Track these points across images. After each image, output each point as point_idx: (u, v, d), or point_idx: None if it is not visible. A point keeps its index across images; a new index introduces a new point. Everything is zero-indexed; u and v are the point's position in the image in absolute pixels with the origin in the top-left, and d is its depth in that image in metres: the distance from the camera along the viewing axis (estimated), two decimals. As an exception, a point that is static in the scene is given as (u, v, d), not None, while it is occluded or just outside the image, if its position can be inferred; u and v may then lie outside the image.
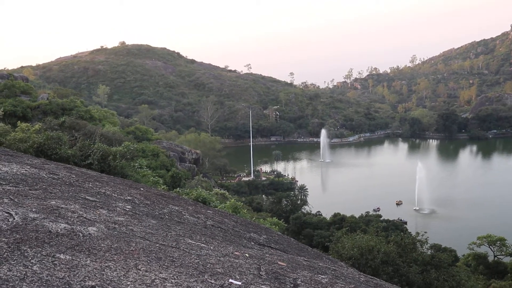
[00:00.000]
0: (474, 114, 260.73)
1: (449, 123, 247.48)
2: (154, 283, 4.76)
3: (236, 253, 6.61)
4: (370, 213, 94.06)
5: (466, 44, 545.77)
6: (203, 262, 5.70)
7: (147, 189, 10.73)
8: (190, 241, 6.61)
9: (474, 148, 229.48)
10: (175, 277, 5.04)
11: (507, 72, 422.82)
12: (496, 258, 59.61)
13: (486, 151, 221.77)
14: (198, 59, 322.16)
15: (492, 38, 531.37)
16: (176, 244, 6.25)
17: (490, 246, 60.93)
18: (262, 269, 6.01)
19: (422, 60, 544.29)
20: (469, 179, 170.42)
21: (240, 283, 5.31)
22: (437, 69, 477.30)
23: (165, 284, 4.80)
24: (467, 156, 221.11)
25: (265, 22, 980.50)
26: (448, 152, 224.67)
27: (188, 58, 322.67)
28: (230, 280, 5.31)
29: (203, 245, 6.62)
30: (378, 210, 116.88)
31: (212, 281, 5.17)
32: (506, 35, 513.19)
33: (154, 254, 5.57)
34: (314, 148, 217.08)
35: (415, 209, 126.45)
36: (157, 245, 5.98)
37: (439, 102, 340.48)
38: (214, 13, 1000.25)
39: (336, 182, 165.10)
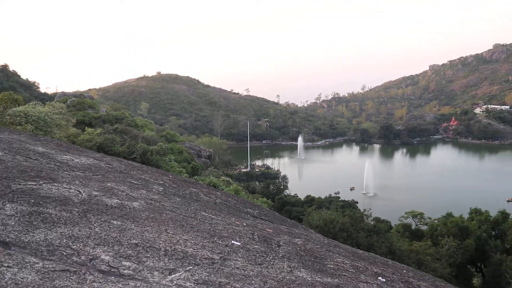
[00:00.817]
0: (404, 127, 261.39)
1: (388, 133, 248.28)
2: (179, 242, 4.77)
3: (236, 222, 6.61)
4: (332, 195, 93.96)
5: (399, 78, 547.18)
6: (213, 228, 5.70)
7: (174, 176, 10.71)
8: (204, 213, 6.61)
9: (405, 150, 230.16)
10: (194, 238, 5.04)
11: (427, 98, 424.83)
12: (417, 226, 59.63)
13: (412, 153, 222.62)
14: (212, 84, 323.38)
15: (416, 74, 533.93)
16: (194, 215, 6.25)
17: (413, 218, 60.96)
18: (255, 234, 6.01)
19: (370, 88, 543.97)
20: (401, 171, 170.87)
21: (239, 243, 5.32)
22: (380, 95, 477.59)
23: (186, 243, 4.80)
24: (400, 156, 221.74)
25: (260, 62, 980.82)
26: (387, 153, 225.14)
27: (204, 83, 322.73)
28: (233, 241, 5.32)
29: (213, 216, 6.61)
30: (338, 193, 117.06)
31: (220, 242, 5.17)
32: (426, 73, 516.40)
33: (179, 222, 5.56)
34: (293, 149, 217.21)
35: (363, 193, 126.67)
36: (181, 216, 5.98)
37: (381, 118, 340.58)
38: (223, 53, 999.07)
39: (308, 173, 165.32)
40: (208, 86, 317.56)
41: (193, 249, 4.70)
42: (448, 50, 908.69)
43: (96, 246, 4.21)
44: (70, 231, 4.41)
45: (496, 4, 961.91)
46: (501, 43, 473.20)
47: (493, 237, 45.27)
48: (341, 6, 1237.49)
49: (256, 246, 5.41)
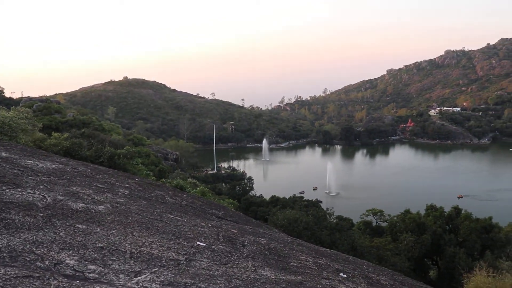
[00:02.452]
0: (364, 128, 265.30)
1: (349, 134, 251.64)
2: (145, 245, 4.70)
3: (202, 224, 6.56)
4: (296, 195, 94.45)
5: (359, 82, 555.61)
6: (178, 230, 5.65)
7: (140, 179, 10.56)
8: (170, 215, 6.54)
9: (365, 151, 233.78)
10: (159, 240, 4.98)
11: (385, 101, 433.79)
12: (377, 223, 60.57)
13: (371, 153, 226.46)
14: (178, 89, 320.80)
15: (375, 78, 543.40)
16: (160, 218, 6.18)
17: (374, 216, 61.86)
18: (220, 235, 5.99)
19: (331, 91, 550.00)
20: (362, 171, 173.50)
21: (205, 244, 5.28)
22: (341, 98, 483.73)
23: (152, 245, 4.74)
24: (360, 156, 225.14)
25: (227, 67, 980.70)
26: (348, 154, 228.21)
27: (171, 88, 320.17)
28: (198, 242, 5.28)
29: (179, 218, 6.55)
30: (303, 193, 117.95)
31: (185, 243, 5.12)
32: (384, 77, 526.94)
33: (144, 225, 5.48)
34: (258, 151, 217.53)
35: (326, 192, 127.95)
36: (147, 218, 5.90)
37: (342, 120, 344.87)
38: (189, 58, 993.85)
39: (273, 174, 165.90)
40: (174, 90, 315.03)
41: (159, 251, 4.64)
42: (404, 55, 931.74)
43: (61, 250, 4.10)
44: (34, 237, 4.28)
45: (446, 13, 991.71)
46: (452, 49, 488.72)
47: (447, 231, 46.44)
48: (297, 21, 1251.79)
49: (221, 247, 5.39)
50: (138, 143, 78.63)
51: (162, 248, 4.75)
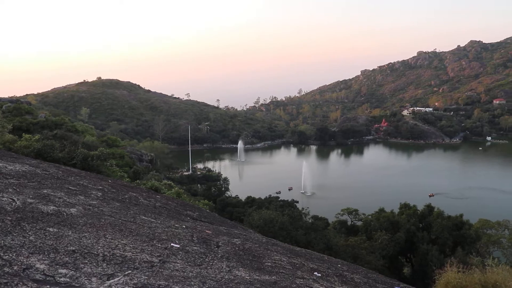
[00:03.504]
0: (339, 128, 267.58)
1: (323, 134, 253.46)
2: (118, 247, 4.64)
3: (176, 225, 6.52)
4: (271, 196, 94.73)
5: (333, 82, 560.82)
6: (152, 232, 5.59)
7: (114, 181, 10.42)
8: (143, 217, 6.47)
9: (340, 151, 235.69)
10: (133, 242, 4.93)
11: (359, 101, 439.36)
12: (352, 222, 61.16)
13: (346, 153, 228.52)
14: (153, 89, 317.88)
15: (350, 79, 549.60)
16: (134, 219, 6.11)
17: (349, 215, 62.46)
18: (194, 236, 5.96)
19: (306, 92, 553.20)
20: (337, 171, 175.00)
21: (178, 245, 5.24)
22: (315, 98, 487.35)
23: (125, 247, 4.68)
24: (335, 156, 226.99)
25: (199, 67, 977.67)
26: (323, 154, 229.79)
27: (145, 88, 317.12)
28: (172, 244, 5.24)
29: (152, 220, 6.49)
30: (279, 193, 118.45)
31: (159, 245, 5.08)
32: (358, 77, 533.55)
33: (117, 227, 5.42)
34: (233, 151, 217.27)
35: (301, 192, 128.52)
36: (120, 220, 5.83)
37: (317, 120, 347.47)
38: (163, 58, 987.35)
39: (249, 174, 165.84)
40: (149, 91, 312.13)
41: (132, 253, 4.59)
42: (377, 56, 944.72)
43: (30, 255, 4.01)
44: (2, 241, 4.17)
45: (418, 14, 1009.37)
46: (424, 51, 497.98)
47: (420, 229, 47.24)
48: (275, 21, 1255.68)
49: (195, 248, 5.36)
50: (112, 145, 77.57)
51: (135, 250, 4.69)
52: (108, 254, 4.40)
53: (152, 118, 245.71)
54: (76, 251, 4.31)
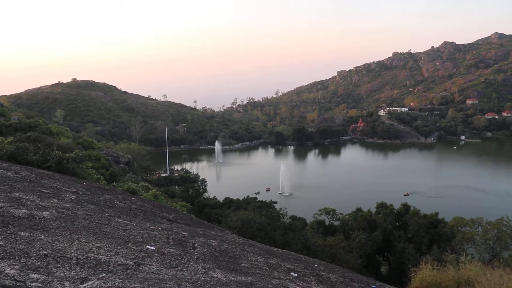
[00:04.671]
0: (316, 129, 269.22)
1: (301, 135, 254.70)
2: (92, 250, 4.58)
3: (152, 227, 6.47)
4: (249, 197, 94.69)
5: (310, 83, 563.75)
6: (127, 234, 5.54)
7: (89, 183, 10.29)
8: (118, 220, 6.40)
9: (317, 151, 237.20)
10: (107, 245, 4.87)
11: (336, 101, 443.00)
12: (330, 222, 61.52)
13: (324, 153, 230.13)
14: (129, 91, 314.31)
15: (326, 79, 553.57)
16: (108, 222, 6.04)
17: (327, 215, 62.80)
18: (170, 238, 5.92)
19: (283, 92, 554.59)
20: (314, 171, 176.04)
21: (154, 247, 5.21)
22: (293, 99, 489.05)
23: (99, 250, 4.63)
24: (313, 157, 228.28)
25: (176, 68, 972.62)
26: (301, 154, 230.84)
27: (122, 90, 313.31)
28: (147, 246, 5.20)
29: (128, 222, 6.42)
30: (258, 194, 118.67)
31: (134, 247, 5.03)
32: (335, 78, 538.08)
33: (92, 230, 5.34)
34: (211, 152, 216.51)
35: (279, 193, 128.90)
36: (94, 223, 5.75)
37: (294, 121, 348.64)
38: (139, 58, 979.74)
39: (227, 176, 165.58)
40: (125, 92, 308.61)
41: (107, 256, 4.54)
42: (353, 57, 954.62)
43: (0, 260, 3.93)
44: (-29, 246, 4.08)
45: (393, 15, 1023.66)
46: (399, 52, 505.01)
47: (397, 228, 47.84)
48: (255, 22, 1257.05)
49: (171, 250, 5.33)
50: (88, 147, 76.42)
51: (110, 253, 4.64)
52: (81, 258, 4.34)
53: (128, 119, 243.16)
54: (49, 255, 4.24)
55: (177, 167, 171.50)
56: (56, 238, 4.77)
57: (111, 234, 5.39)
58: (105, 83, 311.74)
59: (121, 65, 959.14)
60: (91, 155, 58.43)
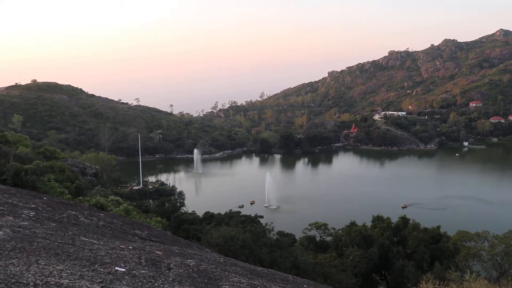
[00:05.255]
0: (305, 135, 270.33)
1: (288, 142, 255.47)
2: (52, 274, 4.49)
3: (122, 246, 6.39)
4: (232, 211, 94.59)
5: (299, 85, 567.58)
6: (94, 255, 5.45)
7: (50, 198, 10.15)
8: (84, 238, 6.31)
9: (306, 159, 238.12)
10: (70, 268, 4.78)
11: (327, 105, 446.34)
12: (321, 238, 61.74)
13: (314, 162, 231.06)
14: (97, 94, 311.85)
15: (316, 81, 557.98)
16: (72, 241, 5.94)
17: (317, 230, 63.04)
18: (142, 258, 5.85)
19: (268, 95, 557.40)
20: (303, 182, 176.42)
21: (124, 269, 5.14)
22: (279, 103, 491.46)
23: (61, 274, 4.54)
24: (301, 166, 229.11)
25: (151, 68, 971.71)
26: (288, 163, 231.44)
27: (89, 93, 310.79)
28: (116, 268, 5.13)
29: (94, 241, 6.33)
30: (242, 207, 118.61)
31: (101, 270, 4.96)
32: (325, 79, 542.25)
33: (53, 251, 5.25)
34: (189, 162, 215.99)
35: (265, 206, 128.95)
36: (56, 243, 5.65)
37: (281, 126, 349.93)
38: (108, 59, 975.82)
39: (207, 187, 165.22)
40: (93, 95, 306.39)
41: (70, 280, 4.46)
42: (346, 56, 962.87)
43: None
44: None
45: (389, 12, 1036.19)
46: (396, 50, 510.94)
47: (395, 243, 48.19)
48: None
49: (143, 271, 5.26)
50: (50, 157, 75.68)
51: (73, 276, 4.56)
52: (40, 283, 4.25)
53: (96, 126, 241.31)
54: (2, 281, 4.14)
55: (152, 179, 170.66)
56: (10, 262, 4.67)
57: (75, 255, 5.29)
58: (69, 85, 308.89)
59: (87, 64, 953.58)
60: (54, 166, 57.83)
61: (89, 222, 8.33)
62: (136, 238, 8.28)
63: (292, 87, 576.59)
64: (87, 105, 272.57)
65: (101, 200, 24.49)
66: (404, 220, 51.21)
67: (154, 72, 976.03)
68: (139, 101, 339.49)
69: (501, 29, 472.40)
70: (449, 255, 46.62)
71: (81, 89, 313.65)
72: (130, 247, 6.45)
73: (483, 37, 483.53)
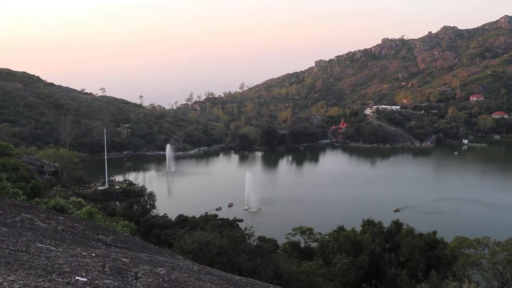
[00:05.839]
0: (289, 131, 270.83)
1: (271, 138, 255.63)
2: (2, 286, 4.42)
3: (83, 253, 6.33)
4: (208, 214, 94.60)
5: (282, 75, 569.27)
6: (51, 263, 5.39)
7: (1, 200, 10.01)
8: (40, 245, 6.23)
9: (290, 157, 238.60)
10: (24, 278, 4.72)
11: (313, 98, 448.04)
12: (306, 244, 62.05)
13: (299, 160, 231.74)
14: (57, 82, 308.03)
15: (301, 71, 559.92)
16: (26, 248, 5.86)
17: (302, 235, 63.32)
18: (106, 266, 5.81)
19: (249, 87, 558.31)
20: (287, 182, 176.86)
21: (86, 279, 5.09)
22: (261, 95, 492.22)
23: (13, 285, 4.47)
24: (285, 164, 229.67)
25: (117, 55, 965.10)
26: (271, 161, 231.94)
27: (47, 81, 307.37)
28: (77, 277, 5.08)
29: (52, 248, 6.26)
30: (220, 209, 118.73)
31: (60, 280, 4.90)
32: (312, 69, 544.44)
33: (3, 259, 5.17)
34: (161, 160, 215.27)
35: (245, 209, 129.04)
36: (7, 250, 5.57)
37: (263, 121, 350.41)
38: (69, 43, 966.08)
39: (180, 188, 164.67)
40: (52, 84, 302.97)
41: (23, 291, 4.40)
42: (335, 44, 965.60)
43: None
44: None
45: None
46: (390, 38, 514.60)
47: (387, 250, 48.59)
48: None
49: (107, 281, 5.22)
50: (2, 153, 74.91)
51: (27, 287, 4.50)
52: (-11, 295, 4.18)
53: (56, 118, 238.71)
54: None
55: (119, 178, 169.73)
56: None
57: (30, 264, 5.22)
58: (25, 72, 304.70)
59: (46, 49, 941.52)
60: (7, 163, 57.28)
61: (47, 227, 8.24)
62: (100, 244, 8.22)
63: (275, 77, 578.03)
64: (45, 95, 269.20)
65: (60, 201, 24.23)
66: (397, 224, 51.60)
67: (122, 61, 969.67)
68: (104, 91, 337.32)
69: (506, 15, 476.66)
70: (446, 263, 47.18)
71: (38, 77, 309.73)
72: (93, 254, 6.40)
73: (486, 24, 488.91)
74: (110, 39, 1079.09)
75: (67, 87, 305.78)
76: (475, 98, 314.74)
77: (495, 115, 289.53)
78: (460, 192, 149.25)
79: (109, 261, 6.15)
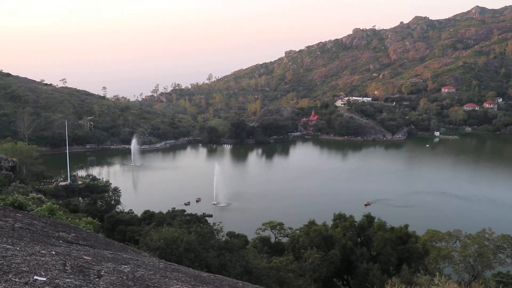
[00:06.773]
0: (259, 123, 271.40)
1: (240, 131, 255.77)
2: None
3: (42, 251, 6.22)
4: (176, 209, 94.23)
5: (251, 66, 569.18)
6: (8, 262, 5.28)
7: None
8: (-4, 243, 6.11)
9: (260, 151, 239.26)
10: (-22, 278, 4.61)
11: (283, 89, 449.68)
12: (276, 239, 62.38)
13: (268, 153, 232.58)
14: (14, 73, 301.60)
15: (271, 62, 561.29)
16: (-19, 247, 5.74)
17: (272, 230, 63.60)
18: (67, 264, 5.72)
19: (217, 78, 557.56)
20: (256, 176, 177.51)
21: (45, 279, 5.00)
22: (229, 86, 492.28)
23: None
24: (254, 158, 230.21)
25: (82, 46, 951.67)
26: (240, 155, 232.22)
27: (3, 71, 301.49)
28: (35, 277, 4.98)
29: (9, 246, 6.13)
30: (188, 204, 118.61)
31: (17, 280, 4.80)
32: (282, 60, 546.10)
33: (-46, 260, 5.05)
34: (126, 153, 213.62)
35: (213, 203, 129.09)
36: (-40, 249, 5.45)
37: (231, 113, 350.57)
38: (28, 33, 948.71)
39: (146, 183, 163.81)
40: (8, 74, 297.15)
41: (-23, 292, 4.30)
42: (305, 34, 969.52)
43: None
44: None
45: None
46: (361, 28, 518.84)
47: (359, 244, 49.08)
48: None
49: (68, 280, 5.13)
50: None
51: (-19, 288, 4.40)
52: None
53: (14, 111, 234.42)
54: None
55: (81, 173, 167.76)
56: None
57: (-15, 263, 5.10)
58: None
59: (2, 37, 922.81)
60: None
61: (3, 224, 8.08)
62: (61, 241, 8.10)
63: (244, 68, 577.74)
64: (1, 86, 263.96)
65: (19, 198, 23.82)
66: (368, 218, 52.06)
67: (84, 51, 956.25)
68: (65, 82, 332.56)
69: (477, 6, 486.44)
70: (417, 257, 47.86)
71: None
72: (53, 252, 6.30)
73: (458, 14, 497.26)
74: (70, 30, 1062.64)
75: (25, 78, 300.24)
76: (446, 90, 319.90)
77: (467, 107, 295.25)
78: (432, 185, 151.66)
79: (70, 259, 6.07)
